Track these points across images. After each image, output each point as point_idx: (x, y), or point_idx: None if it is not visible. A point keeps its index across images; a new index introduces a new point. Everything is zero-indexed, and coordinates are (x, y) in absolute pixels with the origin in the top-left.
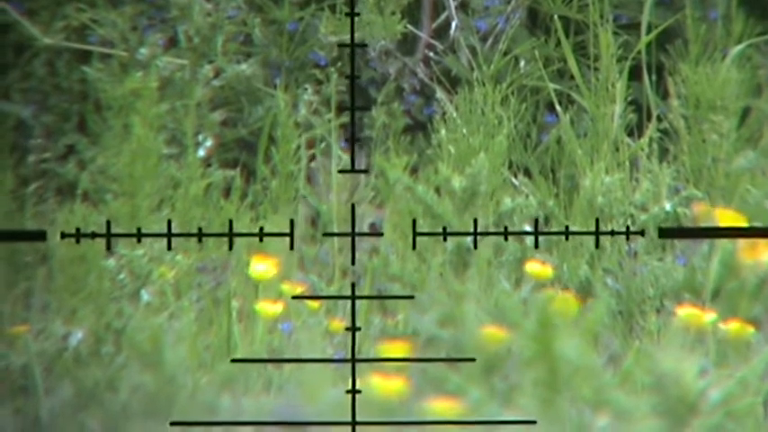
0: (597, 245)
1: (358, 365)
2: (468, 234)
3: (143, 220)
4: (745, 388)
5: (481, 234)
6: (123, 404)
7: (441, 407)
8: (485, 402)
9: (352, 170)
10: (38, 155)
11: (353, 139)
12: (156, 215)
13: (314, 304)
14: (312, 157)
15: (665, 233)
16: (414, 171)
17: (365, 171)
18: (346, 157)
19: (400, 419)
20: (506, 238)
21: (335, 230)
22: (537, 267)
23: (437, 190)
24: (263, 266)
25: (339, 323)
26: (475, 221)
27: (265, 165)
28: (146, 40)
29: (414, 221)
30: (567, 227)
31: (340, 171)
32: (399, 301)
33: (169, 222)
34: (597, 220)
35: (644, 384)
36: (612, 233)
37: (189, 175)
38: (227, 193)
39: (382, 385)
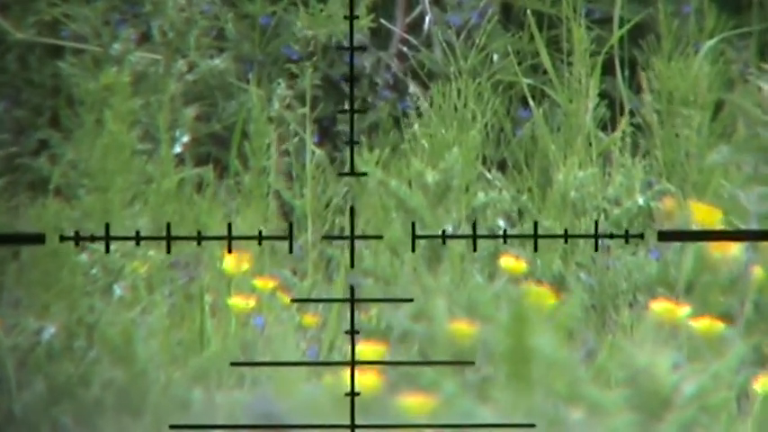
0: (597, 248)
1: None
2: (467, 237)
3: (115, 215)
4: (718, 382)
5: (480, 237)
6: (95, 399)
7: (414, 402)
8: (458, 397)
9: (351, 173)
10: (9, 149)
11: (352, 142)
12: (129, 210)
13: (286, 299)
14: (285, 152)
15: (664, 236)
16: (387, 165)
17: (364, 174)
18: (319, 152)
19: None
20: (505, 241)
21: (309, 226)
22: (511, 262)
23: (410, 184)
24: (235, 261)
25: (311, 318)
26: (474, 225)
27: (238, 160)
28: (118, 34)
29: (413, 224)
30: (566, 230)
31: (340, 174)
32: (372, 293)
33: (168, 225)
34: (596, 222)
35: (617, 379)
36: (612, 236)
37: (162, 171)
38: (199, 188)
39: (358, 379)
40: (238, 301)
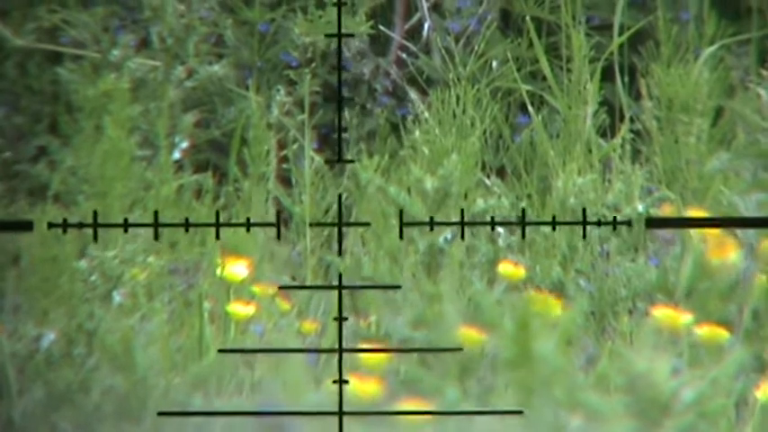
0: (585, 235)
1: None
2: (454, 224)
3: (115, 221)
4: (717, 388)
5: (468, 224)
6: (95, 405)
7: (415, 408)
8: (459, 403)
9: (339, 160)
10: (9, 156)
11: (340, 130)
12: (128, 216)
13: (285, 306)
14: (284, 159)
15: (651, 223)
16: (386, 172)
17: (352, 161)
18: (319, 158)
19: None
20: (493, 228)
21: (308, 231)
22: (510, 268)
23: (409, 190)
24: (234, 268)
25: (311, 324)
26: (462, 212)
27: (237, 166)
28: (117, 41)
29: (401, 211)
30: (554, 216)
31: (327, 162)
32: (371, 300)
33: (156, 213)
34: (584, 210)
35: (617, 385)
36: (599, 224)
37: (161, 177)
38: (198, 194)
39: (358, 387)
40: (237, 308)
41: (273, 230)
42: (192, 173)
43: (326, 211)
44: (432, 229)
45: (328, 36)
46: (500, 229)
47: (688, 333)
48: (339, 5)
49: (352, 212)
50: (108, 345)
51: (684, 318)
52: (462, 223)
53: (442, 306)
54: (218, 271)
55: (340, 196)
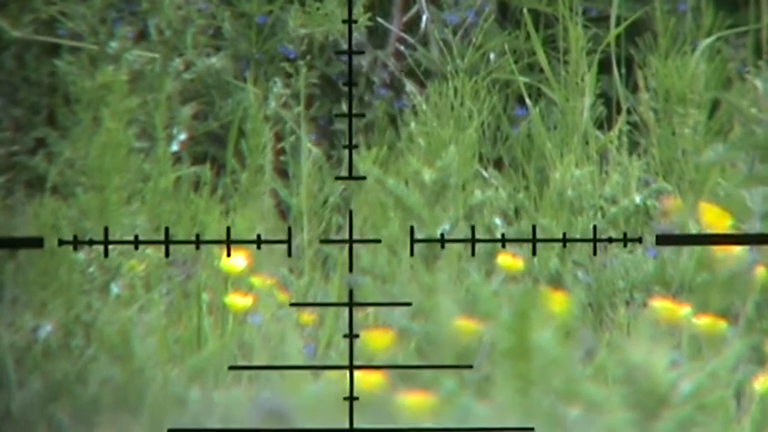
0: (595, 252)
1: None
2: (465, 241)
3: (113, 213)
4: (716, 380)
5: (479, 241)
6: (93, 397)
7: (414, 399)
8: (458, 394)
9: (350, 177)
10: (7, 148)
11: (351, 145)
12: (126, 209)
13: (283, 297)
14: (281, 151)
15: (661, 240)
16: (384, 164)
17: (363, 178)
18: (316, 150)
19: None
20: (504, 245)
21: (305, 224)
22: (508, 260)
23: (407, 182)
24: (232, 259)
25: (309, 316)
26: (472, 228)
27: (235, 158)
28: (115, 33)
29: (411, 228)
30: (564, 234)
31: (337, 178)
32: (370, 292)
33: (167, 230)
34: (594, 228)
35: (615, 376)
36: (610, 240)
37: (159, 169)
38: (196, 186)
39: (361, 377)
40: (236, 300)
41: (271, 222)
42: (190, 165)
43: (324, 203)
44: (443, 247)
45: (339, 54)
46: (497, 221)
47: (686, 324)
48: (350, 23)
49: (351, 204)
50: (106, 336)
51: (683, 309)
52: (473, 240)
53: (440, 297)
54: (217, 262)
55: (350, 212)
